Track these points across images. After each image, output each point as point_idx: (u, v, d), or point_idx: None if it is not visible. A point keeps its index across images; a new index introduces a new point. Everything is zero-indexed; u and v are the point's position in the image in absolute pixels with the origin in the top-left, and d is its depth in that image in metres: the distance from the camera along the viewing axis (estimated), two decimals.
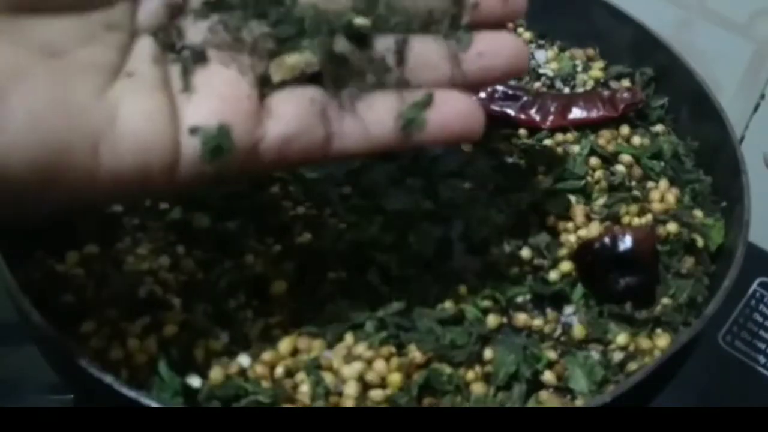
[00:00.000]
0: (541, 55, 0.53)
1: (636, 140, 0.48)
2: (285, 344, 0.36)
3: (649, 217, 0.43)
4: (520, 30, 0.54)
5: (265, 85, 0.32)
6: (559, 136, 0.48)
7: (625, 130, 0.48)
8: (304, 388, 0.35)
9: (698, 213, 0.44)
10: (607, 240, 0.40)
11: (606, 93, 0.49)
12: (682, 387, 0.41)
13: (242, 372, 0.35)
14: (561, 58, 0.53)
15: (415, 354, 0.36)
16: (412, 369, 0.36)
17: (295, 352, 0.36)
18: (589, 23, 0.53)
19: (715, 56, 0.63)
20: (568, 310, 0.40)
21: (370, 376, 0.35)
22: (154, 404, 0.32)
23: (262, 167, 0.32)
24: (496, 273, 0.40)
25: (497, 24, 0.35)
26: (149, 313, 0.36)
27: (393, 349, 0.36)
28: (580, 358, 0.38)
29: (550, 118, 0.48)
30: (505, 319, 0.39)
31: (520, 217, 0.43)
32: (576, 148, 0.47)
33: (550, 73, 0.52)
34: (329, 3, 0.33)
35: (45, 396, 0.48)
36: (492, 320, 0.38)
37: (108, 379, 0.32)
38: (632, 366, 0.38)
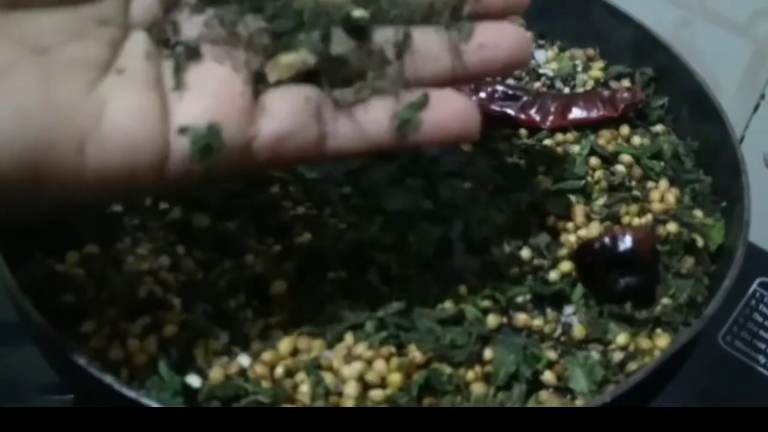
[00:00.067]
0: (541, 55, 0.53)
1: (636, 140, 0.47)
2: (285, 344, 0.36)
3: (649, 217, 0.43)
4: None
5: (259, 83, 0.32)
6: (559, 136, 0.48)
7: (625, 130, 0.48)
8: (304, 388, 0.35)
9: (698, 213, 0.44)
10: (607, 240, 0.40)
11: (606, 93, 0.49)
12: (682, 387, 0.41)
13: (242, 372, 0.35)
14: (561, 58, 0.53)
15: (415, 354, 0.36)
16: (412, 369, 0.36)
17: (295, 352, 0.36)
18: (589, 23, 0.53)
19: (715, 56, 0.63)
20: (568, 310, 0.40)
21: (370, 376, 0.35)
22: (154, 404, 0.32)
23: (256, 165, 0.32)
24: (496, 273, 0.40)
25: (499, 17, 0.34)
26: (149, 313, 0.36)
27: (393, 349, 0.36)
28: (580, 358, 0.38)
29: (550, 118, 0.48)
30: (505, 319, 0.39)
31: (520, 217, 0.43)
32: (576, 148, 0.47)
33: (550, 73, 0.52)
34: None
35: (45, 396, 0.48)
36: (492, 320, 0.38)
37: (108, 379, 0.32)
38: (632, 366, 0.38)
